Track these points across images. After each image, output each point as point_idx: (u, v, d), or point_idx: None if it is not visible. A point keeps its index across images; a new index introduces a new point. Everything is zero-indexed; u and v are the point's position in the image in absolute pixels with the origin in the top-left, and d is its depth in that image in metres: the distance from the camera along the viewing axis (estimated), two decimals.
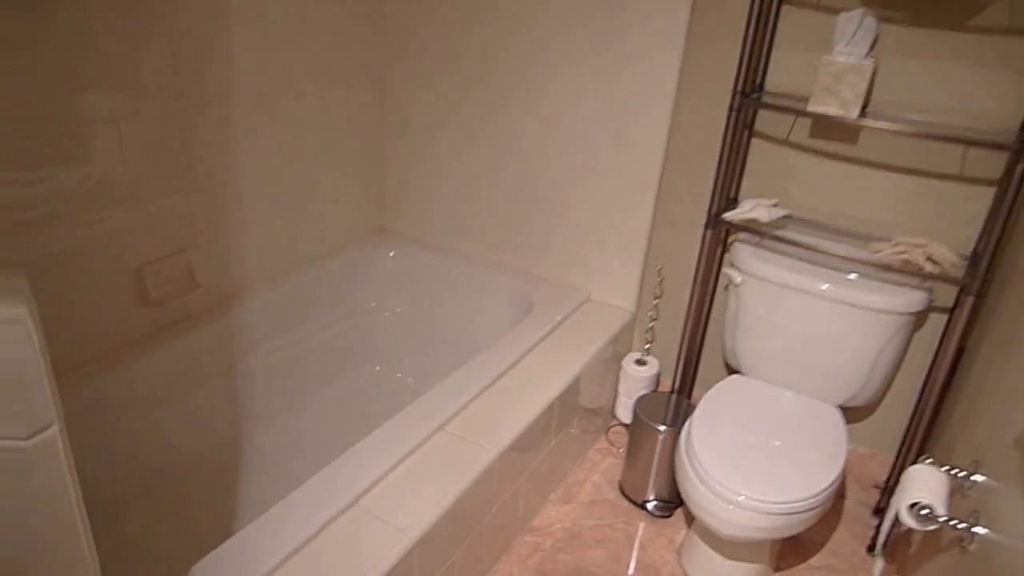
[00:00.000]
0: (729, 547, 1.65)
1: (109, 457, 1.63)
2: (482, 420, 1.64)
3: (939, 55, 1.56)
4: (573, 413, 1.93)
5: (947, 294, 1.72)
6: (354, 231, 2.34)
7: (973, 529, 1.13)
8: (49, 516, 0.67)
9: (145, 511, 1.70)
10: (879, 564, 1.43)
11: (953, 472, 1.27)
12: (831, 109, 1.57)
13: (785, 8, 1.69)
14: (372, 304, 2.33)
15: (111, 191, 1.58)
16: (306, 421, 2.07)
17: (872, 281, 1.68)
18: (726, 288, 1.97)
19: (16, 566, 0.66)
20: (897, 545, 1.76)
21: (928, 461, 1.29)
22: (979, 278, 1.51)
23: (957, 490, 1.32)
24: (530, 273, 2.24)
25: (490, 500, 1.60)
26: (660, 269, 2.09)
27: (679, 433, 1.79)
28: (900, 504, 1.23)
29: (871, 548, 1.85)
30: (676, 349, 2.14)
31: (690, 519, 1.91)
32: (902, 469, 1.77)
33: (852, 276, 1.70)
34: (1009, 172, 1.47)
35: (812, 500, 1.47)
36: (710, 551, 1.68)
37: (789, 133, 1.79)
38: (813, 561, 1.82)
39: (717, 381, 1.85)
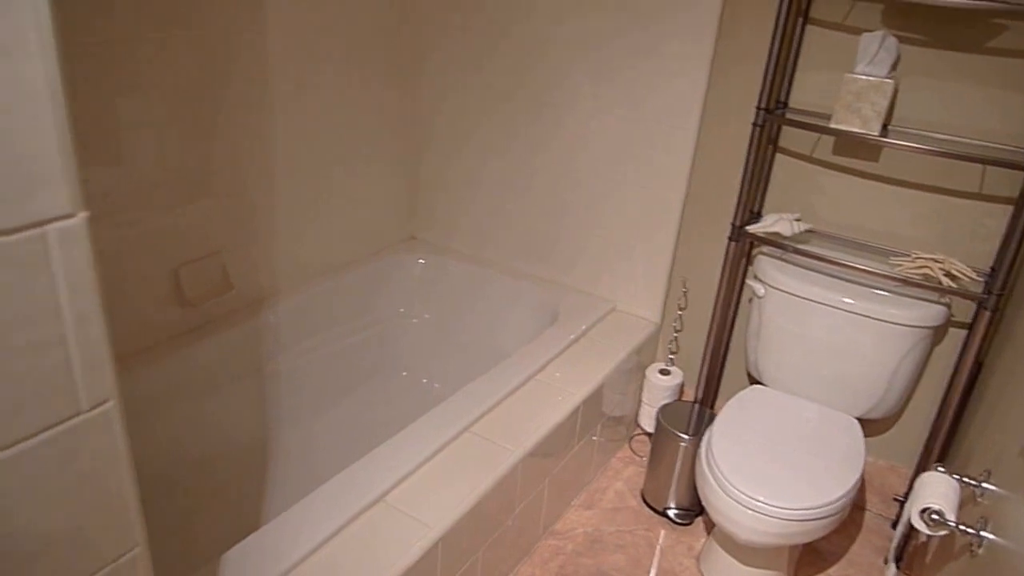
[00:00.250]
0: (747, 554, 1.70)
1: (142, 450, 1.72)
2: (507, 423, 1.71)
3: (959, 75, 1.61)
4: (596, 420, 1.99)
5: (966, 309, 1.76)
6: (385, 239, 2.44)
7: (981, 533, 1.17)
8: (103, 486, 0.76)
9: (176, 504, 1.80)
10: (891, 570, 1.47)
11: (965, 480, 1.31)
12: (852, 126, 1.62)
13: (809, 27, 1.75)
14: (400, 310, 2.42)
15: (148, 194, 1.69)
16: (333, 424, 2.16)
17: (892, 295, 1.73)
18: (750, 300, 2.02)
19: (73, 534, 0.75)
20: (914, 556, 1.79)
21: (941, 469, 1.34)
22: (996, 294, 1.55)
23: (969, 499, 1.36)
24: (556, 283, 2.32)
25: (513, 501, 1.66)
26: (685, 281, 2.14)
27: (701, 441, 1.84)
28: (912, 509, 1.28)
29: None
30: (700, 360, 2.19)
31: (710, 526, 1.96)
32: None
33: (872, 290, 1.75)
34: None
35: (828, 508, 1.52)
36: (729, 558, 1.73)
37: (813, 149, 1.84)
38: (831, 571, 1.86)
39: (740, 392, 1.90)
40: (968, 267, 1.62)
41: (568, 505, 2.01)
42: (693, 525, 1.99)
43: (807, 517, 1.50)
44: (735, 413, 1.80)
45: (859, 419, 1.83)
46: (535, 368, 1.89)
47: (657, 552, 1.89)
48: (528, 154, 2.23)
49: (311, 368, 2.14)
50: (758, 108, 1.76)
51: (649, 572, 1.83)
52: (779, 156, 1.90)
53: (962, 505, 1.32)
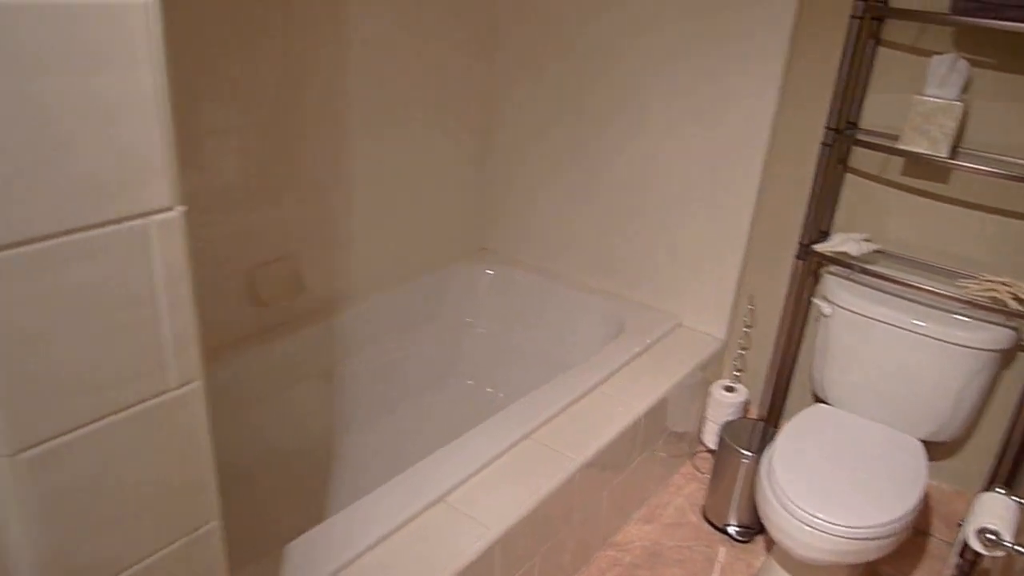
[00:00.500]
0: (806, 574, 1.66)
1: (215, 442, 1.81)
2: (568, 431, 1.73)
3: None
4: (658, 435, 1.99)
5: None
6: (455, 249, 2.50)
7: None
8: (186, 461, 0.82)
9: (245, 495, 1.88)
10: None
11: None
12: (920, 148, 1.60)
13: (879, 49, 1.73)
14: (467, 320, 2.47)
15: (229, 197, 1.78)
16: (398, 428, 2.22)
17: (959, 317, 1.69)
18: (816, 319, 1.99)
19: (157, 502, 0.81)
20: None
21: (1000, 490, 1.29)
22: None
23: None
24: (623, 297, 2.33)
25: (571, 509, 1.68)
26: (751, 298, 2.13)
27: (762, 458, 1.81)
28: (968, 529, 1.24)
29: None
30: (765, 378, 2.16)
31: (770, 544, 1.92)
32: None
33: (940, 311, 1.71)
34: None
35: (886, 528, 1.48)
36: None
37: (882, 170, 1.81)
38: None
39: (803, 409, 1.87)
40: None
41: (628, 518, 2.01)
42: (753, 543, 1.95)
43: (865, 536, 1.47)
44: (797, 430, 1.77)
45: (923, 441, 1.77)
46: (598, 379, 1.91)
47: (716, 569, 1.87)
48: (598, 168, 2.26)
49: (379, 372, 2.22)
50: (827, 128, 1.75)
51: None
52: (848, 176, 1.88)
53: (1021, 524, 1.27)
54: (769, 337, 2.13)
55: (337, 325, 2.08)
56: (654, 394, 1.90)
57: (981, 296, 1.60)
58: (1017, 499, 1.27)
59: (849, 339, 1.82)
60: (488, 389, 2.42)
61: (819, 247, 1.83)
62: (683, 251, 2.17)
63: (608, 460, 1.76)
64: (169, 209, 0.70)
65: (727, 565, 1.88)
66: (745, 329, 2.17)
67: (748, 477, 1.91)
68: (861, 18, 1.65)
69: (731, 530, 1.97)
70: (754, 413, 2.21)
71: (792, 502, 1.53)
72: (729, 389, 2.14)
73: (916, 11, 1.63)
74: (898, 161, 1.79)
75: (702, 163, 2.05)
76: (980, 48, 1.60)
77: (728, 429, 2.00)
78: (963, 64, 1.56)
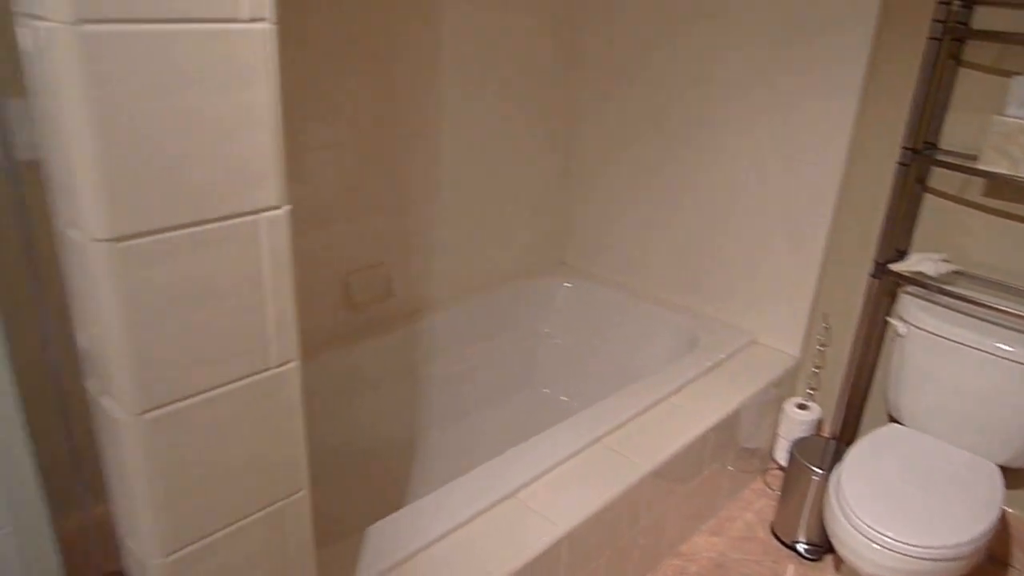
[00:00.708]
0: None
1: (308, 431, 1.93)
2: (637, 438, 1.76)
3: None
4: (729, 448, 1.98)
5: None
6: (536, 261, 2.58)
7: None
8: (282, 433, 0.91)
9: (330, 484, 1.99)
10: None
11: None
12: (1001, 168, 1.56)
13: (959, 69, 1.70)
14: (546, 330, 2.53)
15: (327, 209, 1.91)
16: (475, 430, 2.30)
17: None
18: (892, 339, 1.95)
19: (257, 466, 0.90)
20: None
21: None
22: None
23: None
24: (698, 313, 2.34)
25: (638, 515, 1.71)
26: (826, 316, 2.10)
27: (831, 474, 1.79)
28: None
29: None
30: (839, 396, 2.13)
31: (839, 563, 1.88)
32: None
33: (1020, 334, 1.65)
34: None
35: (957, 549, 1.44)
36: None
37: (961, 190, 1.77)
38: None
39: (876, 429, 1.84)
40: None
41: (696, 529, 2.01)
42: (822, 561, 1.92)
43: (934, 556, 1.43)
44: (869, 449, 1.74)
45: (1001, 467, 1.71)
46: (670, 390, 1.93)
47: None
48: (676, 185, 2.29)
49: (459, 376, 2.30)
50: (904, 148, 1.73)
51: None
52: (927, 196, 1.84)
53: None
54: (844, 356, 2.09)
55: (422, 329, 2.18)
56: (724, 408, 1.91)
57: None
58: None
59: (925, 360, 1.77)
60: (563, 398, 2.46)
61: (895, 266, 1.81)
62: (759, 268, 2.17)
63: (676, 469, 1.78)
64: (277, 208, 0.80)
65: None
66: (820, 347, 2.14)
67: (818, 494, 1.89)
68: (940, 39, 1.63)
69: (800, 547, 1.94)
70: (827, 432, 2.17)
71: (859, 519, 1.51)
72: (802, 407, 2.12)
73: (997, 32, 1.60)
74: (978, 181, 1.75)
75: (779, 181, 2.05)
76: None
77: (799, 446, 1.97)
78: None
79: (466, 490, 1.52)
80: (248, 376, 0.84)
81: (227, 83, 0.72)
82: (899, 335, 1.83)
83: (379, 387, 2.09)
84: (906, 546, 1.45)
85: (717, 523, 2.04)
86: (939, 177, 1.81)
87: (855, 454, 1.71)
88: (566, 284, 2.54)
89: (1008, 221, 1.72)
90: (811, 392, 2.17)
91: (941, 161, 1.69)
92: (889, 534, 1.46)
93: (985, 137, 1.61)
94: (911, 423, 1.84)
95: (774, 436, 2.20)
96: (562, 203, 2.59)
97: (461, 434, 2.27)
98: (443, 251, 2.24)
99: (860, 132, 1.90)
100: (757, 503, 2.13)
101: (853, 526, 1.52)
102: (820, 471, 1.87)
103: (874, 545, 1.48)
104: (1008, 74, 1.62)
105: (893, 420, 1.94)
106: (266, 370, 0.85)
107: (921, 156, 1.72)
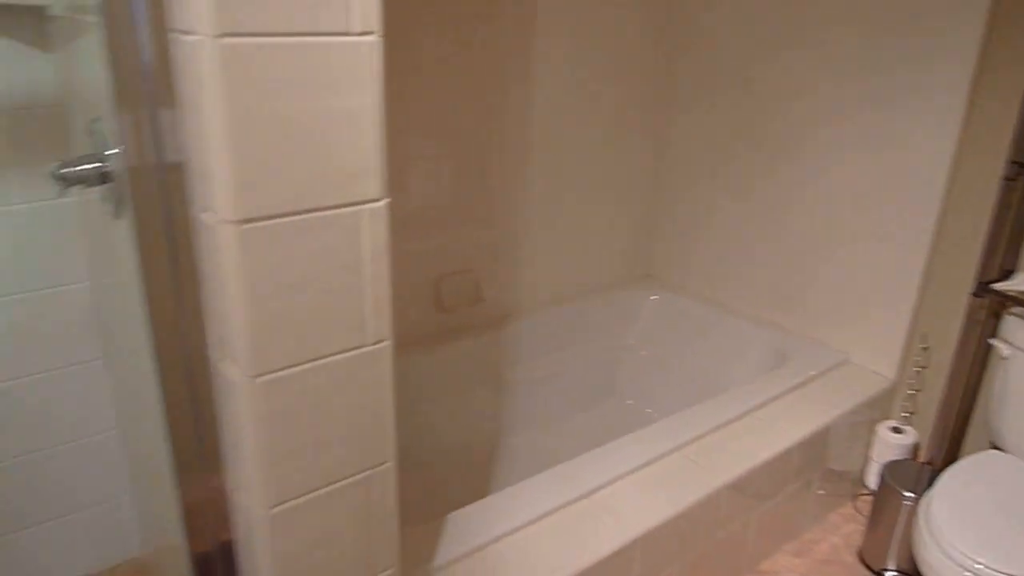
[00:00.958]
0: None
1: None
2: (718, 449, 1.79)
3: None
4: (814, 468, 1.97)
5: None
6: (622, 273, 2.64)
7: None
8: (373, 406, 1.02)
9: (414, 476, 2.09)
10: None
11: None
12: None
13: None
14: (631, 342, 2.58)
15: (423, 215, 2.05)
16: (556, 436, 2.37)
17: None
18: (996, 362, 1.89)
19: (350, 434, 1.01)
20: None
21: None
22: None
23: None
24: (788, 329, 2.33)
25: (715, 526, 1.73)
26: (925, 337, 2.06)
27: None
28: None
29: None
30: (937, 420, 2.07)
31: None
32: None
33: None
34: None
35: None
36: None
37: None
38: None
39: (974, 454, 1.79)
40: None
41: (778, 548, 2.00)
42: None
43: None
44: (965, 474, 1.70)
45: None
46: (754, 404, 1.94)
47: None
48: (769, 200, 2.30)
49: (543, 382, 2.38)
50: (1011, 162, 1.69)
51: None
52: None
53: None
54: (943, 378, 2.04)
55: (509, 335, 2.28)
56: (810, 426, 1.90)
57: None
58: None
59: None
60: (647, 410, 2.50)
61: (1000, 286, 1.76)
62: (854, 285, 2.15)
63: (757, 484, 1.79)
64: (377, 200, 0.91)
65: None
66: (917, 369, 2.09)
67: (909, 520, 1.85)
68: None
69: (888, 575, 1.90)
70: (923, 458, 2.12)
71: (950, 544, 1.48)
72: (897, 430, 2.07)
73: None
74: None
75: (877, 197, 2.03)
76: None
77: (891, 469, 1.94)
78: None
79: (544, 486, 1.60)
80: (347, 351, 0.95)
81: (339, 88, 0.83)
82: (1002, 357, 1.78)
83: (464, 388, 2.20)
84: (999, 575, 1.41)
85: (801, 544, 2.03)
86: None
87: (949, 478, 1.68)
88: (652, 296, 2.58)
89: None
90: (907, 415, 2.12)
91: None
92: (982, 562, 1.43)
93: None
94: (1015, 450, 1.78)
95: (866, 460, 2.16)
96: (651, 216, 2.64)
97: (542, 439, 2.34)
98: (532, 260, 2.34)
99: (963, 147, 1.87)
100: (845, 527, 2.09)
101: (944, 552, 1.49)
102: (912, 496, 1.83)
103: (966, 573, 1.45)
104: None
105: (995, 447, 1.88)
106: (363, 346, 0.96)
107: None
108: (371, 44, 0.85)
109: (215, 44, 0.75)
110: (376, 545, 1.10)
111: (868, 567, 1.95)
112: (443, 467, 2.16)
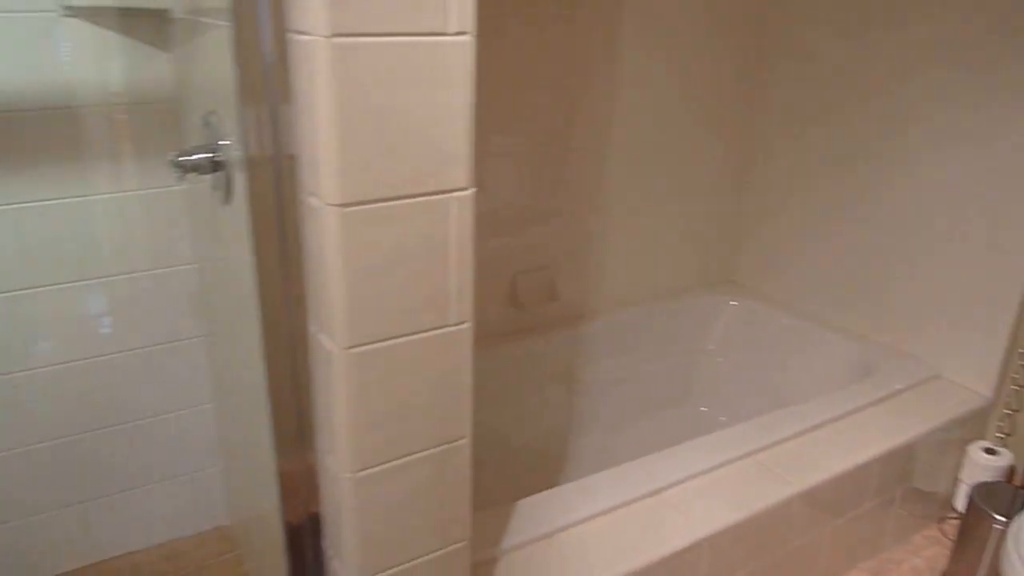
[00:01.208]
0: None
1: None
2: (793, 458, 1.81)
3: None
4: (896, 486, 1.97)
5: None
6: (702, 277, 2.68)
7: None
8: (452, 384, 1.11)
9: (482, 467, 2.18)
10: None
11: None
12: None
13: None
14: (709, 348, 2.61)
15: (502, 212, 2.15)
16: (627, 440, 2.42)
17: None
18: None
19: (431, 409, 1.11)
20: None
21: None
22: None
23: None
24: (875, 342, 2.32)
25: (788, 535, 1.75)
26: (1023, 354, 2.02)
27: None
28: None
29: None
30: None
31: None
32: None
33: None
34: None
35: None
36: None
37: None
38: None
39: None
40: None
41: (853, 565, 2.00)
42: None
43: None
44: None
45: None
46: (834, 415, 1.95)
47: None
48: (859, 207, 2.30)
49: (616, 384, 2.44)
50: None
51: None
52: None
53: None
54: None
55: (582, 334, 2.35)
56: (893, 441, 1.90)
57: None
58: None
59: None
60: (721, 418, 2.52)
61: None
62: (949, 299, 2.12)
63: (832, 496, 1.80)
64: (465, 189, 1.01)
65: None
66: (1016, 388, 2.05)
67: (999, 545, 1.82)
68: None
69: None
70: (1019, 482, 2.07)
71: None
72: (990, 452, 2.04)
73: None
74: None
75: (976, 207, 2.01)
76: None
77: (980, 490, 1.91)
78: None
79: (614, 481, 1.66)
80: (431, 329, 1.05)
81: (435, 84, 0.94)
82: None
83: (536, 384, 2.29)
84: None
85: (879, 564, 2.02)
86: None
87: None
88: (733, 302, 2.61)
89: None
90: (1002, 436, 2.08)
91: None
92: None
93: None
94: None
95: (955, 481, 2.13)
96: (734, 221, 2.67)
97: (612, 441, 2.41)
98: (609, 260, 2.41)
99: None
100: (928, 550, 2.07)
101: None
102: (1004, 520, 1.80)
103: None
104: None
105: None
106: (446, 326, 1.06)
107: None
108: (465, 43, 0.95)
109: (327, 44, 0.86)
110: (450, 517, 1.20)
111: None
112: (510, 463, 2.25)
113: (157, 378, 1.87)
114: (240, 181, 1.29)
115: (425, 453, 1.12)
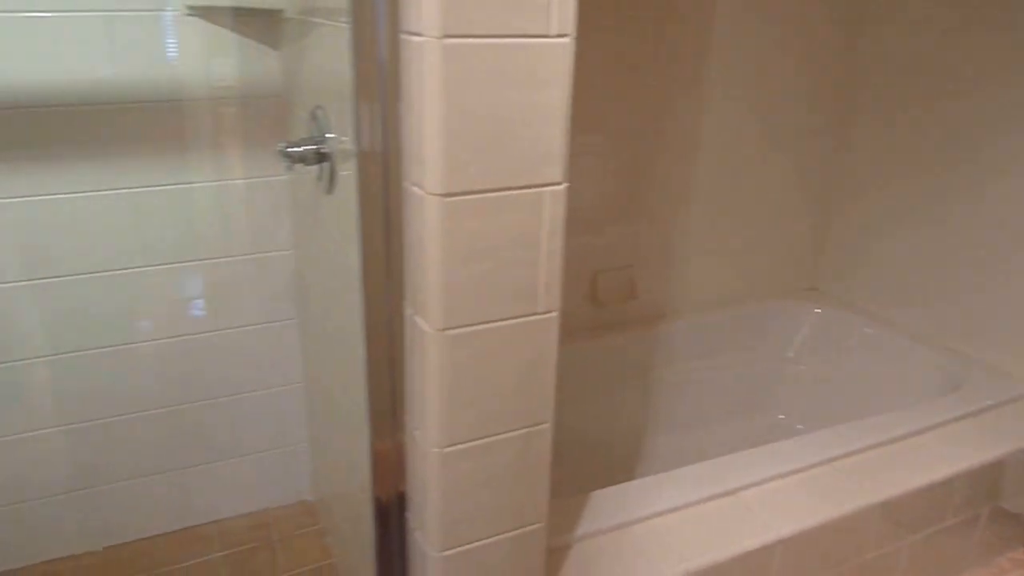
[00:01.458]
0: None
1: None
2: (872, 467, 1.81)
3: None
4: (982, 504, 1.94)
5: None
6: (784, 284, 2.67)
7: None
8: (537, 370, 1.18)
9: (559, 462, 2.23)
10: None
11: None
12: None
13: None
14: (789, 355, 2.60)
15: (585, 210, 2.20)
16: (701, 443, 2.44)
17: None
18: None
19: (516, 393, 1.17)
20: None
21: None
22: None
23: None
24: (964, 354, 2.28)
25: (864, 546, 1.75)
26: None
27: None
28: None
29: None
30: None
31: None
32: None
33: None
34: None
35: None
36: None
37: None
38: None
39: None
40: None
41: None
42: None
43: None
44: None
45: None
46: (919, 427, 1.93)
47: None
48: (951, 215, 2.26)
49: (692, 387, 2.47)
50: None
51: None
52: None
53: None
54: None
55: (661, 335, 2.39)
56: (979, 458, 1.87)
57: None
58: None
59: None
60: (799, 426, 2.51)
61: None
62: None
63: (912, 509, 1.79)
64: (558, 184, 1.07)
65: None
66: None
67: None
68: None
69: None
70: None
71: None
72: None
73: None
74: None
75: None
76: None
77: None
78: None
79: (691, 478, 1.70)
80: (521, 316, 1.11)
81: (535, 83, 1.00)
82: None
83: (612, 382, 2.33)
84: None
85: None
86: None
87: None
88: (816, 310, 2.59)
89: None
90: None
91: None
92: None
93: None
94: None
95: None
96: (819, 228, 2.65)
97: (686, 443, 2.43)
98: (690, 262, 2.43)
99: None
100: (1014, 573, 2.03)
101: None
102: None
103: None
104: None
105: None
106: (534, 314, 1.13)
107: None
108: (565, 45, 1.01)
109: (439, 44, 0.93)
110: (528, 499, 1.26)
111: None
112: (584, 458, 2.30)
113: (252, 356, 2.00)
114: (343, 172, 1.39)
115: (509, 434, 1.19)
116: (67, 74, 1.62)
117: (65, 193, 1.70)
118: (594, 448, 2.32)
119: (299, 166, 1.47)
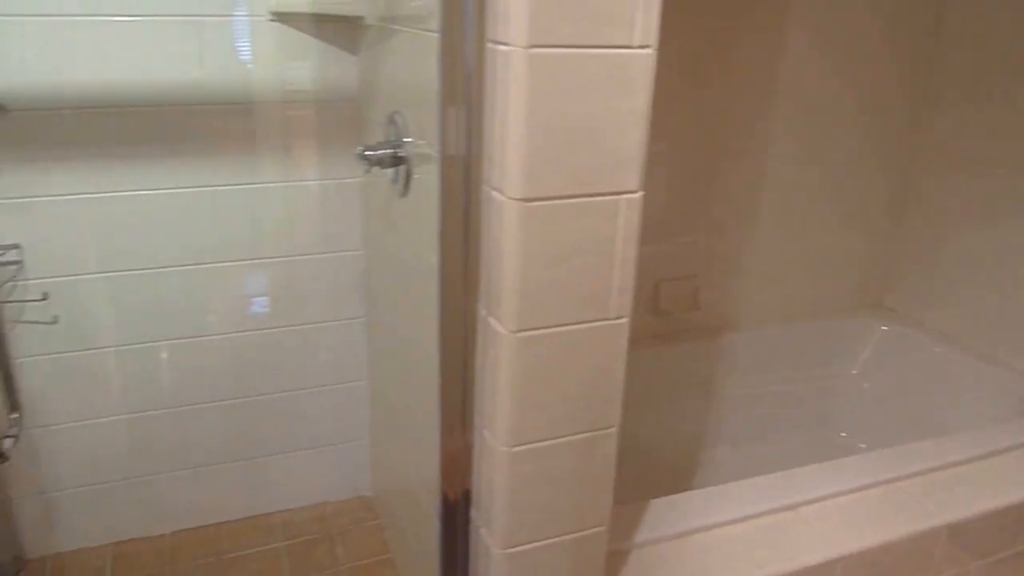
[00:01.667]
0: None
1: None
2: (939, 489, 1.78)
3: None
4: None
5: None
6: (852, 300, 2.64)
7: None
8: (607, 376, 1.20)
9: (617, 469, 2.25)
10: None
11: None
12: None
13: None
14: (853, 372, 2.57)
15: (651, 219, 2.17)
16: (761, 458, 2.42)
17: None
18: None
19: (587, 397, 1.20)
20: None
21: None
22: None
23: None
24: None
25: (926, 569, 1.73)
26: None
27: None
28: None
29: None
30: None
31: None
32: None
33: None
34: None
35: None
36: None
37: None
38: None
39: None
40: None
41: None
42: None
43: None
44: None
45: None
46: (989, 449, 1.90)
47: None
48: None
49: (753, 400, 2.45)
50: None
51: None
52: None
53: None
54: None
55: (723, 346, 2.39)
56: None
57: None
58: None
59: None
60: (861, 445, 2.48)
61: None
62: None
63: (981, 534, 1.76)
64: (634, 192, 1.10)
65: None
66: None
67: None
68: None
69: None
70: None
71: None
72: None
73: None
74: None
75: None
76: None
77: None
78: None
79: (751, 490, 1.70)
80: (592, 321, 1.14)
81: (616, 93, 1.03)
82: None
83: (673, 392, 2.34)
84: None
85: None
86: None
87: None
88: (883, 327, 2.56)
89: None
90: None
91: None
92: None
93: None
94: None
95: None
96: (890, 244, 2.61)
97: (747, 455, 2.42)
98: (755, 274, 2.43)
99: None
100: None
101: None
102: None
103: None
104: None
105: None
106: (606, 319, 1.15)
107: None
108: (647, 56, 1.04)
109: (525, 54, 0.97)
110: (592, 502, 1.29)
111: None
112: (642, 466, 2.30)
113: (320, 352, 2.07)
114: (418, 175, 1.44)
115: (576, 437, 1.21)
116: (153, 76, 1.71)
117: (146, 190, 1.79)
118: (652, 456, 2.33)
119: (375, 169, 1.53)
